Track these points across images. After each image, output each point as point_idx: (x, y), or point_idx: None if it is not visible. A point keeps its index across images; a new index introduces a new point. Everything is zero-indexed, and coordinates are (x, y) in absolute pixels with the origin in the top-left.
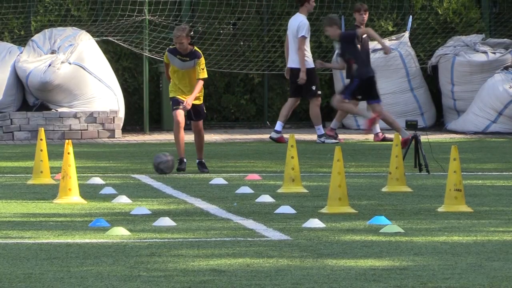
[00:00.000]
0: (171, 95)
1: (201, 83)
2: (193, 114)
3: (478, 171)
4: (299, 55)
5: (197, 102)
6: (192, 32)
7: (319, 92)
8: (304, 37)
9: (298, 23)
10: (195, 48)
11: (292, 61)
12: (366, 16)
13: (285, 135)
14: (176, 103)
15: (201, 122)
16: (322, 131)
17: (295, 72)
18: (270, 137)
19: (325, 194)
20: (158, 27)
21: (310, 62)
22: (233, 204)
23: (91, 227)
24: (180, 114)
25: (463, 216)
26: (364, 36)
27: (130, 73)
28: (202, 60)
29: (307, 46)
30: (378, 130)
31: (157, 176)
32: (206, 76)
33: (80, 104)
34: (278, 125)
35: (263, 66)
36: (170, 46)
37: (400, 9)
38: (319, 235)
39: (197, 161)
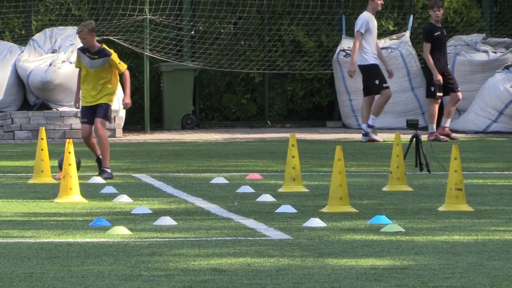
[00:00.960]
0: (81, 104)
1: (127, 76)
2: (95, 111)
3: (479, 170)
4: (352, 49)
5: (103, 101)
6: (92, 28)
7: (384, 85)
8: (359, 32)
9: (358, 18)
10: (104, 46)
11: (358, 60)
12: (440, 13)
13: (287, 135)
14: (83, 115)
15: (100, 122)
16: (371, 123)
17: (361, 69)
18: (361, 141)
19: (326, 194)
20: (159, 27)
21: (371, 58)
22: (234, 203)
23: (92, 226)
24: (85, 129)
25: (464, 215)
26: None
27: (130, 72)
28: (115, 56)
29: (369, 43)
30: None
31: (158, 175)
32: (126, 66)
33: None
34: (364, 127)
35: (264, 66)
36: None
37: (401, 9)
38: (320, 235)
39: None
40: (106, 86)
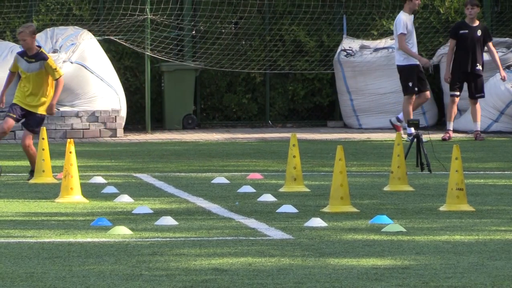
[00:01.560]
0: (14, 101)
1: (61, 83)
2: (26, 120)
3: (480, 170)
4: (404, 51)
5: (40, 111)
6: (33, 30)
7: (416, 89)
8: (402, 34)
9: (396, 20)
10: (42, 50)
11: (396, 59)
12: (473, 11)
13: (288, 134)
14: (11, 109)
15: (28, 136)
16: (400, 117)
17: (398, 69)
18: (390, 120)
19: (327, 193)
20: (160, 26)
21: (410, 58)
22: (235, 203)
23: (93, 226)
24: (8, 122)
25: (465, 215)
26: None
27: (132, 72)
28: (51, 61)
29: (408, 43)
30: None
31: (158, 175)
32: (62, 74)
33: (82, 103)
34: (394, 120)
35: (265, 65)
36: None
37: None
38: (321, 234)
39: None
40: (44, 94)
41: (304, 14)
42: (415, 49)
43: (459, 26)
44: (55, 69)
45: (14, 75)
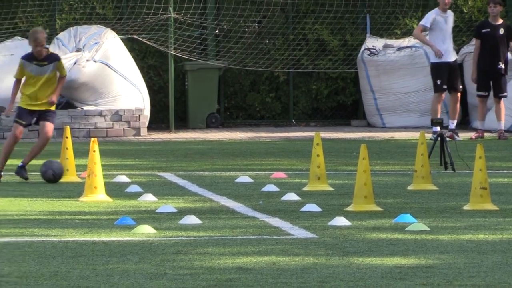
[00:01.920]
0: (22, 105)
1: (64, 80)
2: (40, 115)
3: (503, 169)
4: (417, 39)
5: (52, 108)
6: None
7: (445, 87)
8: (421, 25)
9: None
10: (50, 50)
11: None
12: (496, 9)
13: (311, 133)
14: (20, 116)
15: (49, 125)
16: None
17: (430, 67)
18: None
19: (350, 192)
20: (183, 25)
21: (433, 56)
22: (259, 202)
23: (117, 225)
24: (21, 131)
25: (488, 214)
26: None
27: (155, 71)
28: (62, 61)
29: (433, 39)
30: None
31: (182, 174)
32: (66, 73)
33: (106, 102)
34: (450, 124)
35: (288, 64)
36: (24, 54)
37: (425, 7)
38: (345, 233)
39: (20, 164)
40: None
41: (327, 13)
42: (445, 47)
43: (482, 25)
44: (63, 67)
45: (20, 82)
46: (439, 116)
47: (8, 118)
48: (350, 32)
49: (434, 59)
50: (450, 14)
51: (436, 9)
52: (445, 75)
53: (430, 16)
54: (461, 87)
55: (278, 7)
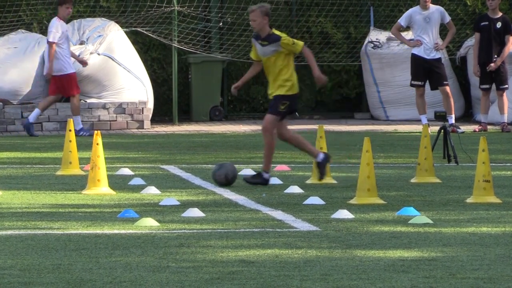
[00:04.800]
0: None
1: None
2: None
3: (506, 162)
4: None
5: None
6: (266, 11)
7: (417, 83)
8: (397, 23)
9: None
10: (274, 30)
11: None
12: (494, 2)
13: (315, 126)
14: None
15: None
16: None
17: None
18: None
19: (354, 185)
20: (187, 18)
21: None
22: (262, 195)
23: (119, 218)
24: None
25: (491, 207)
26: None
27: (159, 64)
28: (286, 38)
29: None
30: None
31: (185, 167)
32: (302, 44)
33: (109, 95)
34: (449, 119)
35: None
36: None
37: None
38: (348, 226)
39: None
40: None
41: (331, 6)
42: (425, 41)
43: (481, 18)
44: (294, 43)
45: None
46: (423, 110)
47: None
48: (354, 25)
49: (413, 50)
50: (434, 11)
51: (417, 6)
52: (419, 71)
53: (407, 15)
54: (445, 82)
55: (282, 0)
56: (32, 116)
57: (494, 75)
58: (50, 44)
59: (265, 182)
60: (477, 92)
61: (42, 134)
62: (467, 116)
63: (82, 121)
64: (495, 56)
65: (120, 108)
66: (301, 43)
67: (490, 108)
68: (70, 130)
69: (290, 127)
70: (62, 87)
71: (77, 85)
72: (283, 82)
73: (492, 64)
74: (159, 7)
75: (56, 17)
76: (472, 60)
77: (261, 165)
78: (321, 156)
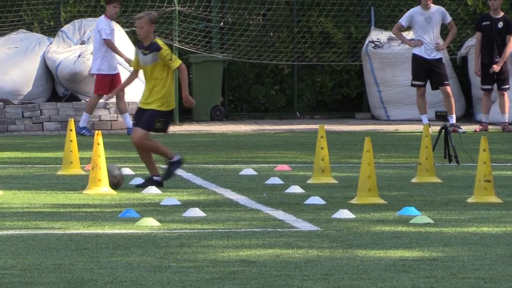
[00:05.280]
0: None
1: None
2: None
3: (507, 162)
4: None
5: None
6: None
7: (417, 83)
8: (398, 23)
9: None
10: (157, 39)
11: None
12: (496, 2)
13: (316, 126)
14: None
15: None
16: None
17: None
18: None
19: (354, 185)
20: (188, 18)
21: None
22: (263, 194)
23: (120, 217)
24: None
25: (492, 207)
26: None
27: None
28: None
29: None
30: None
31: (187, 166)
32: (180, 62)
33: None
34: (450, 119)
35: (293, 57)
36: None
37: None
38: (348, 226)
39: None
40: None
41: (332, 6)
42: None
43: (482, 18)
44: (171, 59)
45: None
46: (424, 110)
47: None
48: (354, 24)
49: (413, 50)
50: (435, 11)
51: (418, 6)
52: (420, 71)
53: (408, 15)
54: (446, 82)
55: (283, 0)
56: (82, 121)
57: (495, 75)
58: (106, 42)
59: (160, 183)
60: (478, 92)
61: (43, 134)
62: (467, 116)
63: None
64: (497, 56)
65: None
66: (179, 61)
67: (491, 108)
68: (71, 130)
69: (290, 127)
70: (108, 85)
71: (108, 88)
72: (158, 95)
73: (495, 66)
74: (159, 7)
75: (104, 15)
76: (473, 60)
77: (261, 165)
78: (176, 157)
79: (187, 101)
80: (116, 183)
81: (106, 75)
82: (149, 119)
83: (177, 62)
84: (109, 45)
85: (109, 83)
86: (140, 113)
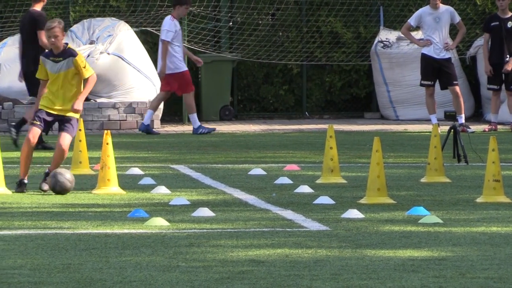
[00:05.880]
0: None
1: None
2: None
3: None
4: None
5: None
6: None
7: (426, 83)
8: (407, 23)
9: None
10: (69, 46)
11: None
12: (504, 2)
13: (325, 126)
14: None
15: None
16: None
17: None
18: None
19: (364, 185)
20: (197, 18)
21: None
22: (272, 194)
23: (130, 217)
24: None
25: (501, 206)
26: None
27: None
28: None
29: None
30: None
31: (195, 166)
32: (92, 72)
33: (119, 95)
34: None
35: (302, 57)
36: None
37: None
38: (357, 226)
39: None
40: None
41: (341, 6)
42: (435, 41)
43: (491, 18)
44: (85, 67)
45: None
46: (433, 110)
47: (21, 112)
48: (363, 24)
49: (422, 50)
50: (444, 11)
51: (427, 6)
52: (429, 71)
53: (417, 14)
54: (455, 82)
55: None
56: (146, 118)
57: (504, 75)
58: (163, 42)
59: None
60: (487, 91)
61: (51, 133)
62: (477, 115)
63: (91, 120)
64: (507, 56)
65: (130, 108)
66: (91, 71)
67: (500, 107)
68: (80, 130)
69: (299, 127)
70: (176, 85)
71: (191, 83)
72: (71, 103)
73: (508, 66)
74: (168, 6)
75: (170, 15)
76: (482, 60)
77: (270, 165)
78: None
79: (76, 109)
80: (69, 187)
81: (171, 74)
82: (72, 126)
83: (88, 71)
84: (163, 46)
85: (176, 81)
86: (54, 118)
